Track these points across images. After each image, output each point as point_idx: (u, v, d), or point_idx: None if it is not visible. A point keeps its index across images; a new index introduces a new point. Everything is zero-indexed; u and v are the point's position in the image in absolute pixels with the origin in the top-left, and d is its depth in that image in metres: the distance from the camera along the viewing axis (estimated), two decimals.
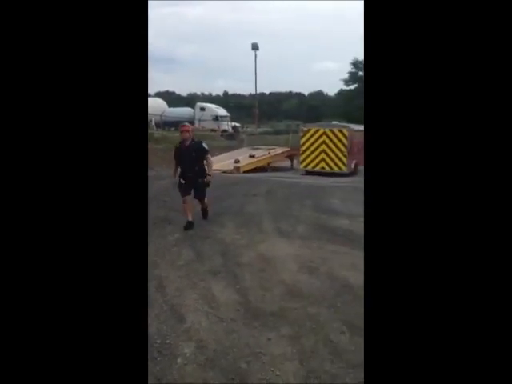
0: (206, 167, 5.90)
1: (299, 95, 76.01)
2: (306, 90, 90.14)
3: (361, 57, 34.07)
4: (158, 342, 2.87)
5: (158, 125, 25.15)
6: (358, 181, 12.07)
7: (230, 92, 77.20)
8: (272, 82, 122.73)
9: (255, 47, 32.84)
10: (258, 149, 16.84)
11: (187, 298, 3.62)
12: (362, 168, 15.23)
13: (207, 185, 5.92)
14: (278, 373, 2.54)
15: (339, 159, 13.31)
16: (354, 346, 2.84)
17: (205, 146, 5.94)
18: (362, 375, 2.51)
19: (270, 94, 75.12)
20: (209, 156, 5.98)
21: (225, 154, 16.04)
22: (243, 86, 67.02)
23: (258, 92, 36.96)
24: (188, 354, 2.74)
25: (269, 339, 2.92)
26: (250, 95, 54.64)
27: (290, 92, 77.89)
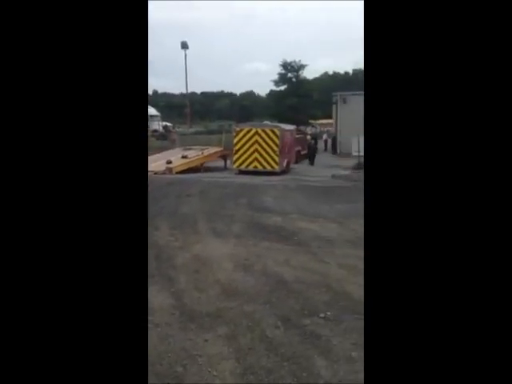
0: None
1: (231, 95, 76.35)
2: (238, 90, 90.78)
3: (289, 58, 35.00)
4: None
5: None
6: (290, 179, 12.47)
7: (160, 91, 75.14)
8: (203, 82, 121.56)
9: (185, 46, 32.34)
10: (190, 149, 16.64)
11: None
12: (293, 166, 15.74)
13: None
14: (214, 373, 2.54)
15: (272, 158, 13.59)
16: (287, 339, 2.93)
17: None
18: (295, 367, 2.61)
19: (202, 93, 74.58)
20: None
21: (157, 155, 15.63)
22: (174, 85, 65.66)
23: (189, 91, 36.55)
24: None
25: (205, 340, 2.91)
26: (181, 94, 53.82)
27: (222, 92, 77.95)
